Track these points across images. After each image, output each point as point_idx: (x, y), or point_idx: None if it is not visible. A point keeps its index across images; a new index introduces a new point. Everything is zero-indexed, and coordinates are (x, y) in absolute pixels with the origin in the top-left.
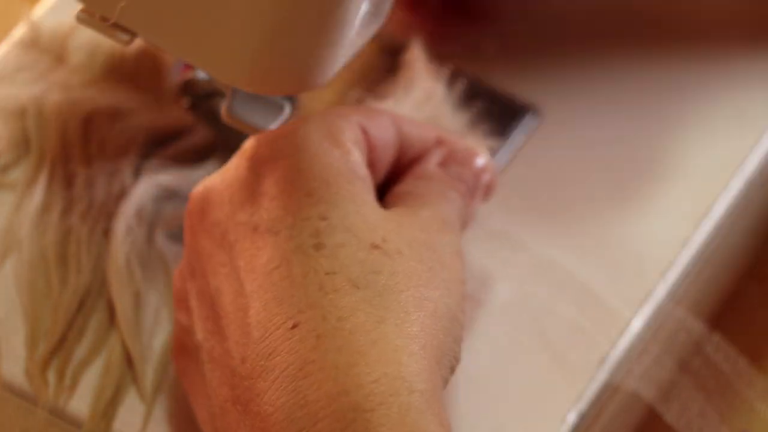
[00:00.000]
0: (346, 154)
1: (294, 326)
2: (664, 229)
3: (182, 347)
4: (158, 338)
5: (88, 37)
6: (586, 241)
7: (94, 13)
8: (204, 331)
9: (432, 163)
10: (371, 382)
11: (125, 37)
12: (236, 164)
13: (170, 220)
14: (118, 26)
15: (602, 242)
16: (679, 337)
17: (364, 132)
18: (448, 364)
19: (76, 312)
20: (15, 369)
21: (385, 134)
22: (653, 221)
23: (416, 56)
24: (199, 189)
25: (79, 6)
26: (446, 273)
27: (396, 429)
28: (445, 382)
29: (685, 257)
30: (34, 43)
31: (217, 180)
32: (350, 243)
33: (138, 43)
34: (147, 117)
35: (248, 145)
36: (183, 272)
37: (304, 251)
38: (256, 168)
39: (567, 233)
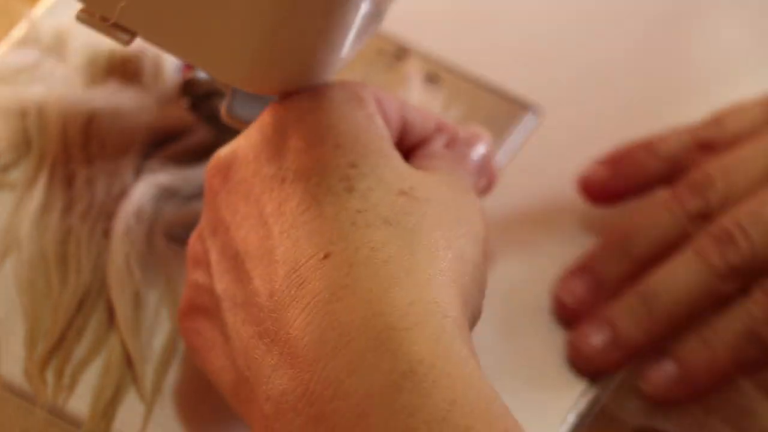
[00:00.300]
0: (370, 115)
1: (326, 256)
2: None
3: (193, 307)
4: (158, 338)
5: (89, 37)
6: (586, 241)
7: (94, 13)
8: (225, 282)
9: (438, 145)
10: (406, 305)
11: (125, 37)
12: (259, 126)
13: (170, 220)
14: (118, 26)
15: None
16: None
17: (379, 103)
18: (470, 311)
19: (76, 312)
20: (14, 369)
21: (393, 112)
22: None
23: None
24: (221, 153)
25: (79, 5)
26: (471, 226)
27: (430, 348)
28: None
29: None
30: (35, 42)
31: (240, 142)
32: (380, 188)
33: (139, 42)
34: (148, 117)
35: (271, 108)
36: (202, 233)
37: (335, 193)
38: (282, 127)
39: (567, 233)
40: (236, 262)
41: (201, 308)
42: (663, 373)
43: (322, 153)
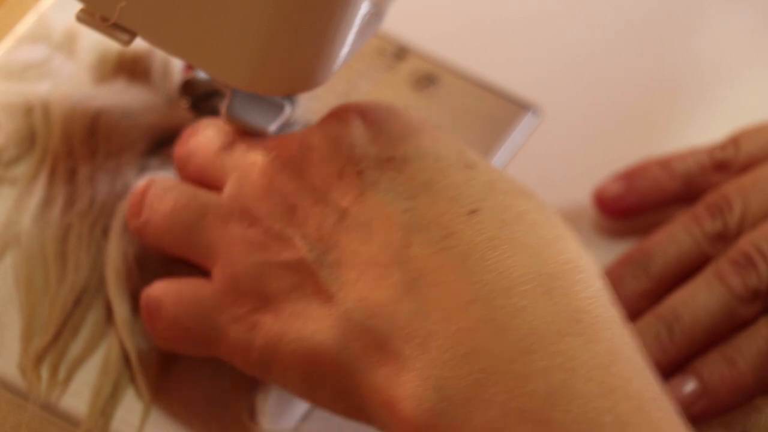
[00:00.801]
0: None
1: (472, 212)
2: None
3: (259, 291)
4: None
5: (99, 35)
6: (586, 242)
7: (94, 13)
8: (322, 251)
9: None
10: (566, 262)
11: (125, 37)
12: (336, 120)
13: None
14: (117, 26)
15: (602, 242)
16: None
17: None
18: None
19: (72, 308)
20: (9, 364)
21: None
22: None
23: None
24: (289, 140)
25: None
26: None
27: (593, 302)
28: None
29: None
30: (44, 39)
31: (312, 136)
32: (497, 170)
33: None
34: (154, 116)
35: (346, 106)
36: (264, 220)
37: (458, 168)
38: (371, 120)
39: None
40: (335, 232)
41: (268, 290)
42: (685, 389)
43: (431, 140)
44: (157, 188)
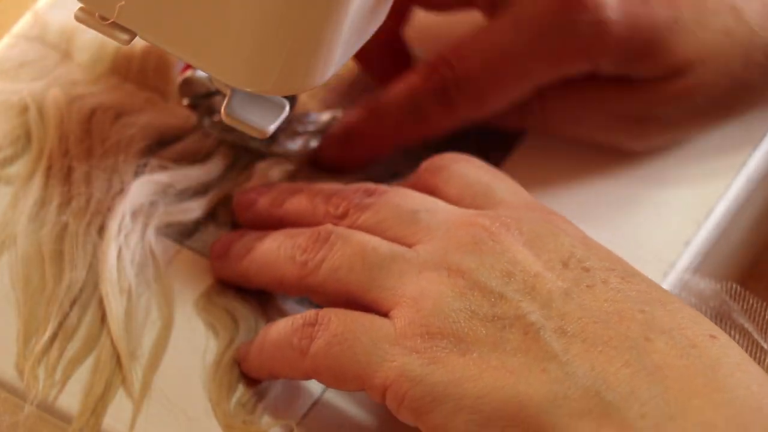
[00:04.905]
0: None
1: (713, 337)
2: (664, 230)
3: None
4: (148, 336)
5: (95, 34)
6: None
7: (93, 12)
8: (539, 314)
9: None
10: None
11: (124, 36)
12: (554, 224)
13: (164, 217)
14: (117, 25)
15: (603, 243)
16: None
17: None
18: None
19: (69, 308)
20: (6, 364)
21: None
22: (654, 222)
23: None
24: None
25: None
26: None
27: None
28: None
29: (686, 258)
30: (40, 37)
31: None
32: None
33: (144, 41)
34: (151, 115)
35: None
36: (480, 272)
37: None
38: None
39: None
40: (562, 305)
41: (463, 334)
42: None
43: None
44: (340, 230)
